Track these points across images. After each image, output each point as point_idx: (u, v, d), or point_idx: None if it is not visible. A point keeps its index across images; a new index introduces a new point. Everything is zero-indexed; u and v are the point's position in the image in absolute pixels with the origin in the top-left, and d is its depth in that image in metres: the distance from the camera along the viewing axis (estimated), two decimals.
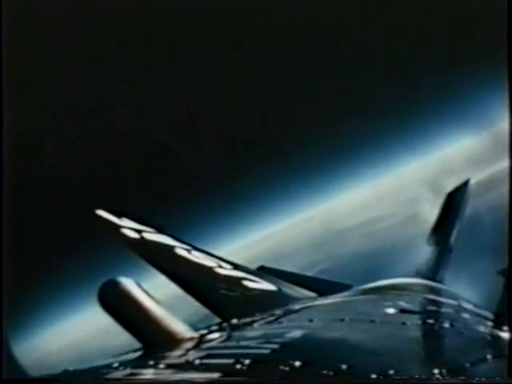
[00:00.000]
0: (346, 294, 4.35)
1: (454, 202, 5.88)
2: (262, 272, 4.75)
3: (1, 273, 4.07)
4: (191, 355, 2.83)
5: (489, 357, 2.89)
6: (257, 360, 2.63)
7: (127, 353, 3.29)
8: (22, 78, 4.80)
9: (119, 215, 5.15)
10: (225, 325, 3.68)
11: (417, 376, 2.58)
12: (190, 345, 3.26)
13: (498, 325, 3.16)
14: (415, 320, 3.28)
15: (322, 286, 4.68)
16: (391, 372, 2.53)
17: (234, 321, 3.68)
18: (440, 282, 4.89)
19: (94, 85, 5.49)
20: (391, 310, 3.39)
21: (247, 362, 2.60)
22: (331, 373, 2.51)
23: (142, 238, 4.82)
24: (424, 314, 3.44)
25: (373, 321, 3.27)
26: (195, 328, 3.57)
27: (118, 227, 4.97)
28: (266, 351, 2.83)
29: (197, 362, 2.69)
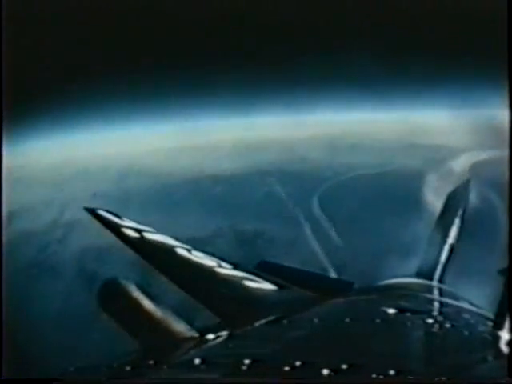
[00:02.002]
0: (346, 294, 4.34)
1: (453, 201, 5.88)
2: (262, 267, 4.74)
3: None
4: (191, 355, 2.83)
5: (489, 357, 2.89)
6: (257, 360, 2.63)
7: (127, 353, 3.29)
8: None
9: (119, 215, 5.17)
10: (225, 325, 3.68)
11: (417, 376, 2.58)
12: (189, 345, 3.26)
13: (498, 325, 3.16)
14: (416, 320, 3.28)
15: (322, 282, 4.67)
16: (391, 372, 2.53)
17: (234, 321, 3.67)
18: (440, 282, 4.88)
19: None
20: (392, 310, 3.39)
21: (247, 361, 2.60)
22: (331, 373, 2.51)
23: (142, 237, 4.82)
24: (424, 314, 3.43)
25: (373, 321, 3.27)
26: (195, 328, 3.58)
27: (118, 227, 4.98)
28: (266, 351, 2.83)
29: (197, 361, 2.69)
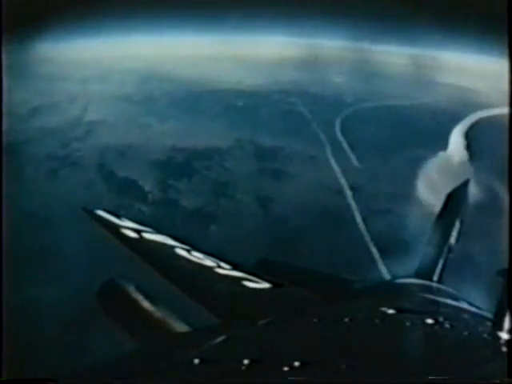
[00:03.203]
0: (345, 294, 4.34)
1: (453, 201, 5.88)
2: (262, 265, 4.73)
3: None
4: (190, 355, 2.83)
5: (488, 357, 2.89)
6: (257, 360, 2.62)
7: (127, 353, 3.29)
8: None
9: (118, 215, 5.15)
10: (224, 325, 3.67)
11: (416, 376, 2.58)
12: (189, 345, 3.26)
13: (497, 325, 3.16)
14: (415, 320, 3.28)
15: (322, 280, 4.66)
16: (391, 372, 2.53)
17: (234, 321, 3.67)
18: (440, 282, 4.88)
19: None
20: (391, 311, 3.39)
21: (247, 362, 2.60)
22: (331, 373, 2.51)
23: (142, 237, 4.81)
24: (424, 314, 3.43)
25: (372, 321, 3.27)
26: (194, 328, 3.57)
27: (117, 227, 4.96)
28: (266, 351, 2.83)
29: (196, 362, 2.69)
